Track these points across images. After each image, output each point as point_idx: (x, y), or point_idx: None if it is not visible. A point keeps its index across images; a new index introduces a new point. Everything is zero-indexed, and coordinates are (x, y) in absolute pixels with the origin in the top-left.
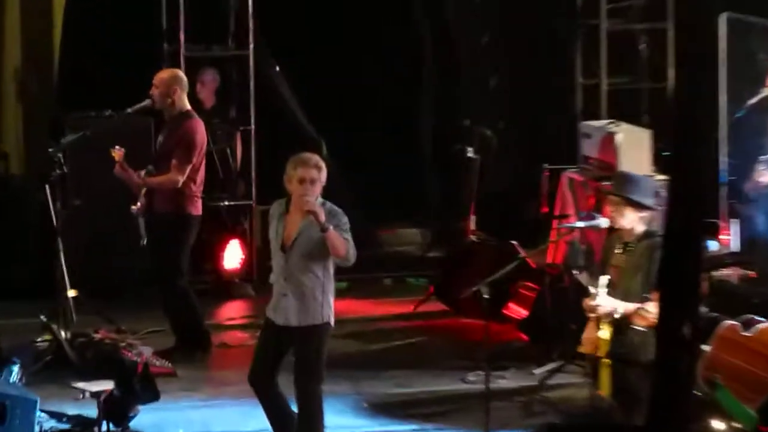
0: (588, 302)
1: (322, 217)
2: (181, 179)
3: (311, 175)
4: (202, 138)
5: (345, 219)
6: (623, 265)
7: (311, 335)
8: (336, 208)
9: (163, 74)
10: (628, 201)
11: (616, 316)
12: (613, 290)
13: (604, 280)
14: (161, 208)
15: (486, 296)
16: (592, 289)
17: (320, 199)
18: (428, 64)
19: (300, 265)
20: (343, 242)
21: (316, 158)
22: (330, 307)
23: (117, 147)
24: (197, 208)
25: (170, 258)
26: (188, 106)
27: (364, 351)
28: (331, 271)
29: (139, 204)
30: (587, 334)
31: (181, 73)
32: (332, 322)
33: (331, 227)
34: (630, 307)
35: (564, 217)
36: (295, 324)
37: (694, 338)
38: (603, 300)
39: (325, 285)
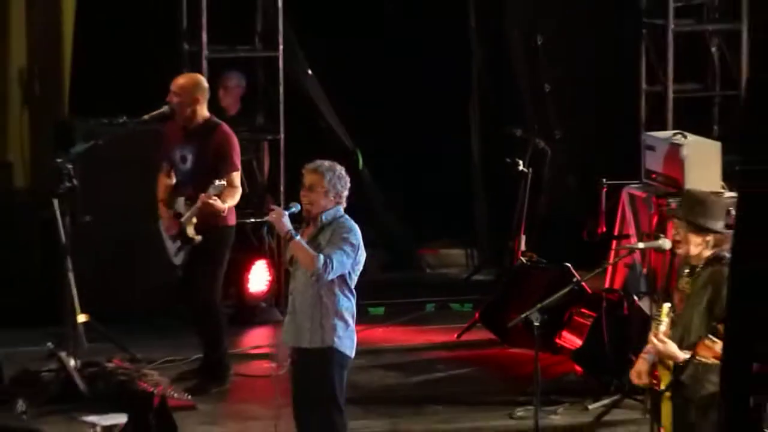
0: (656, 341)
1: (283, 225)
2: (240, 190)
3: (309, 180)
4: (236, 140)
5: (348, 233)
6: (688, 290)
7: (318, 359)
8: (348, 222)
9: (183, 80)
10: (695, 226)
11: (686, 356)
12: (676, 317)
13: (666, 307)
14: (204, 221)
15: (537, 324)
16: (657, 321)
17: (336, 210)
18: (478, 67)
19: (303, 281)
20: (307, 254)
21: (320, 162)
22: (338, 333)
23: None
24: (234, 218)
25: (211, 274)
26: (208, 113)
27: (404, 384)
28: (341, 291)
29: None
30: (639, 366)
31: (203, 80)
32: (345, 350)
33: (297, 236)
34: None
35: (624, 237)
36: (302, 345)
37: (764, 373)
38: (670, 346)
39: (331, 306)
